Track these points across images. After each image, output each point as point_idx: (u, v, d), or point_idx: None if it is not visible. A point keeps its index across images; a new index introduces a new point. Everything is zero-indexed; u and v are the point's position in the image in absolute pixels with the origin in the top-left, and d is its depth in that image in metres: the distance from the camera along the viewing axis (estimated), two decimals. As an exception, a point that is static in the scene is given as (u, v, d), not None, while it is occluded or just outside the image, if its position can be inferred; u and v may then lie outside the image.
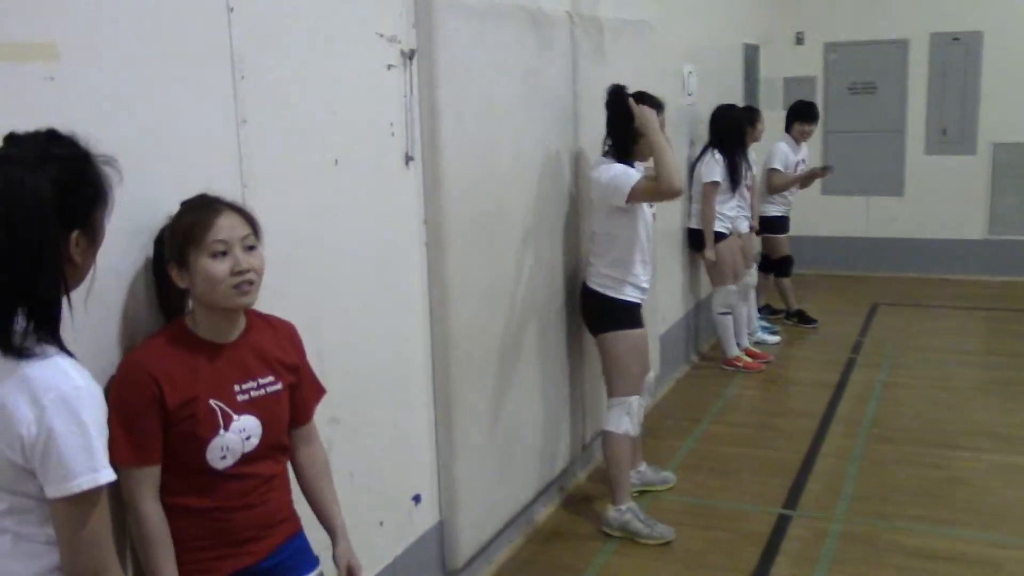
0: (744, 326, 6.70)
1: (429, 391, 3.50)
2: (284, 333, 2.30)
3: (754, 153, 6.88)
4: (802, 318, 7.57)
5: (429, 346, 3.48)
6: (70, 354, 1.64)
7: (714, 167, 6.17)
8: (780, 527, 4.20)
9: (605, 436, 4.25)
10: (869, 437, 5.21)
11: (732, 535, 4.16)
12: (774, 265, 7.50)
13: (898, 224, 9.23)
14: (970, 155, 8.93)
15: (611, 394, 4.24)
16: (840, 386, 6.09)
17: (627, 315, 4.16)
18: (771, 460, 4.94)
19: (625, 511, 4.18)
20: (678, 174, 3.89)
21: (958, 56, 8.86)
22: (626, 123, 4.04)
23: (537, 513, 4.33)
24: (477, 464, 3.70)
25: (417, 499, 3.44)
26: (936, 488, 4.54)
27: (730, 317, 6.46)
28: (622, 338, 4.15)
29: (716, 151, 6.22)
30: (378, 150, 3.13)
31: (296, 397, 2.32)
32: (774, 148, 7.21)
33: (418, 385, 3.44)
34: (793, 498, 4.48)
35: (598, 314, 4.22)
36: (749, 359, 6.54)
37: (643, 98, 4.12)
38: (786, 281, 7.55)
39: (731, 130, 6.29)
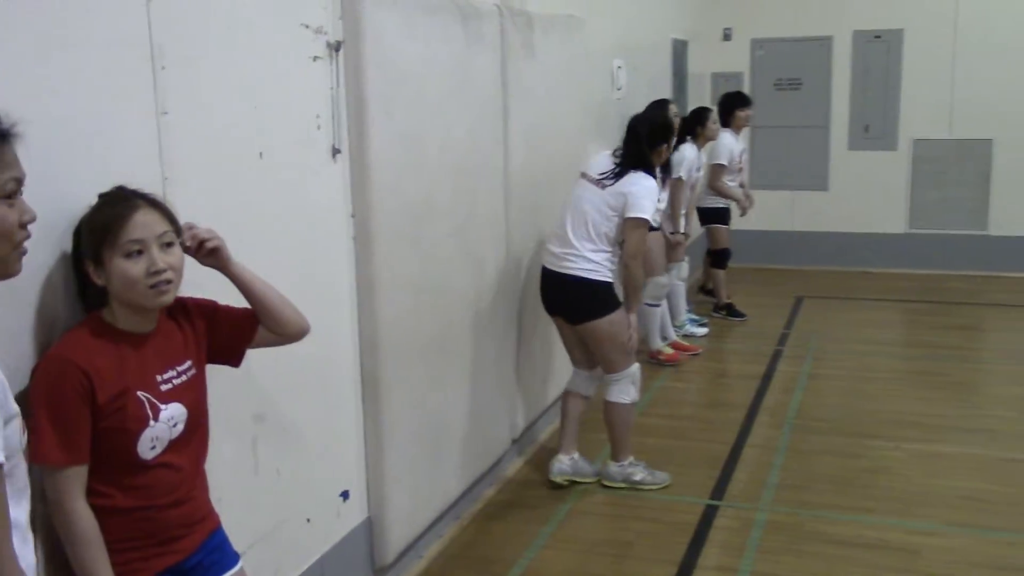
0: (668, 320, 6.76)
1: (357, 386, 3.47)
2: (179, 311, 2.25)
3: (705, 155, 6.96)
4: (731, 311, 7.67)
5: (357, 341, 3.45)
6: None
7: None
8: (708, 517, 4.26)
9: (611, 407, 4.52)
10: (794, 428, 5.31)
11: (661, 526, 4.20)
12: (712, 256, 7.61)
13: (822, 218, 9.42)
14: (891, 151, 9.15)
15: (612, 371, 4.46)
16: (766, 377, 6.19)
17: (614, 297, 4.40)
18: (699, 451, 5.00)
19: (627, 464, 4.55)
20: (638, 270, 4.43)
21: (879, 54, 9.06)
22: (646, 148, 4.44)
23: (468, 506, 4.33)
24: (406, 459, 3.68)
25: (345, 495, 3.41)
26: (858, 477, 4.65)
27: (658, 309, 6.51)
28: (613, 321, 4.37)
29: None
30: (304, 143, 3.09)
31: (228, 320, 2.32)
32: (718, 143, 7.25)
33: (346, 380, 3.41)
34: (720, 488, 4.55)
35: (591, 301, 4.36)
36: (670, 351, 6.58)
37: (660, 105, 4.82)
38: (720, 273, 7.64)
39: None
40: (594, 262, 4.32)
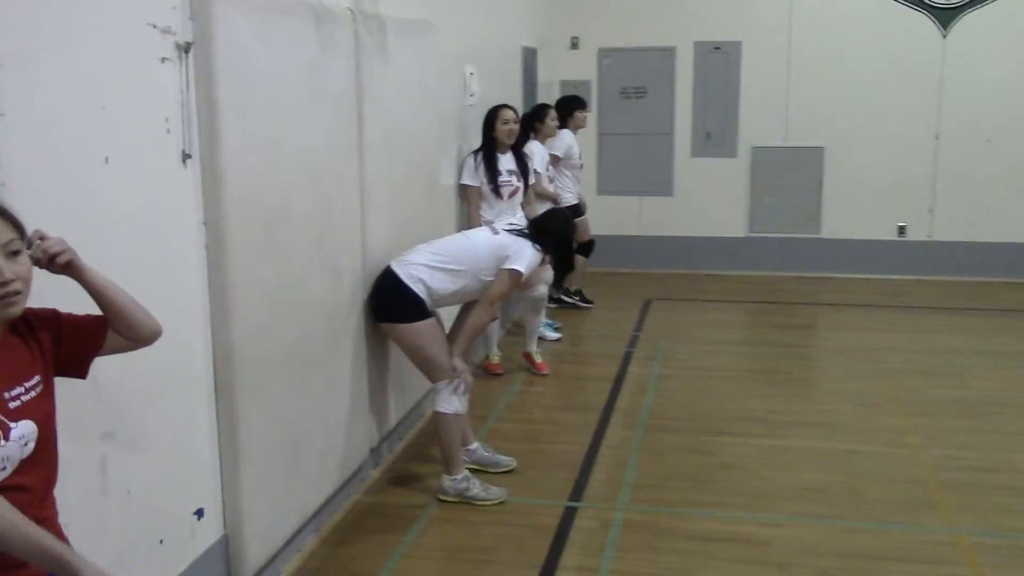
0: (533, 333, 6.79)
1: (211, 400, 3.35)
2: (22, 323, 2.11)
3: (547, 152, 7.08)
4: (583, 298, 8.21)
5: (210, 353, 3.33)
6: None
7: (463, 169, 6.18)
8: (567, 518, 4.31)
9: (436, 417, 4.52)
10: (647, 427, 5.44)
11: (521, 530, 4.23)
12: (579, 248, 7.77)
13: (668, 223, 9.70)
14: (731, 158, 9.51)
15: (430, 380, 4.50)
16: (619, 379, 6.32)
17: (418, 311, 4.39)
18: (556, 454, 5.06)
19: (461, 479, 4.49)
20: (490, 316, 4.62)
21: (720, 64, 9.41)
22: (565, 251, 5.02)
23: (327, 518, 4.24)
24: (264, 472, 3.58)
25: (200, 513, 3.29)
26: (709, 473, 4.80)
27: (492, 323, 6.40)
28: (416, 331, 4.40)
29: (472, 155, 6.22)
30: (153, 147, 2.96)
31: (74, 329, 2.18)
32: (558, 139, 7.35)
33: (199, 394, 3.29)
34: (578, 490, 4.62)
35: (391, 302, 4.41)
36: (497, 361, 6.57)
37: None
38: (581, 260, 7.94)
39: (487, 132, 6.29)
40: (425, 276, 4.37)
